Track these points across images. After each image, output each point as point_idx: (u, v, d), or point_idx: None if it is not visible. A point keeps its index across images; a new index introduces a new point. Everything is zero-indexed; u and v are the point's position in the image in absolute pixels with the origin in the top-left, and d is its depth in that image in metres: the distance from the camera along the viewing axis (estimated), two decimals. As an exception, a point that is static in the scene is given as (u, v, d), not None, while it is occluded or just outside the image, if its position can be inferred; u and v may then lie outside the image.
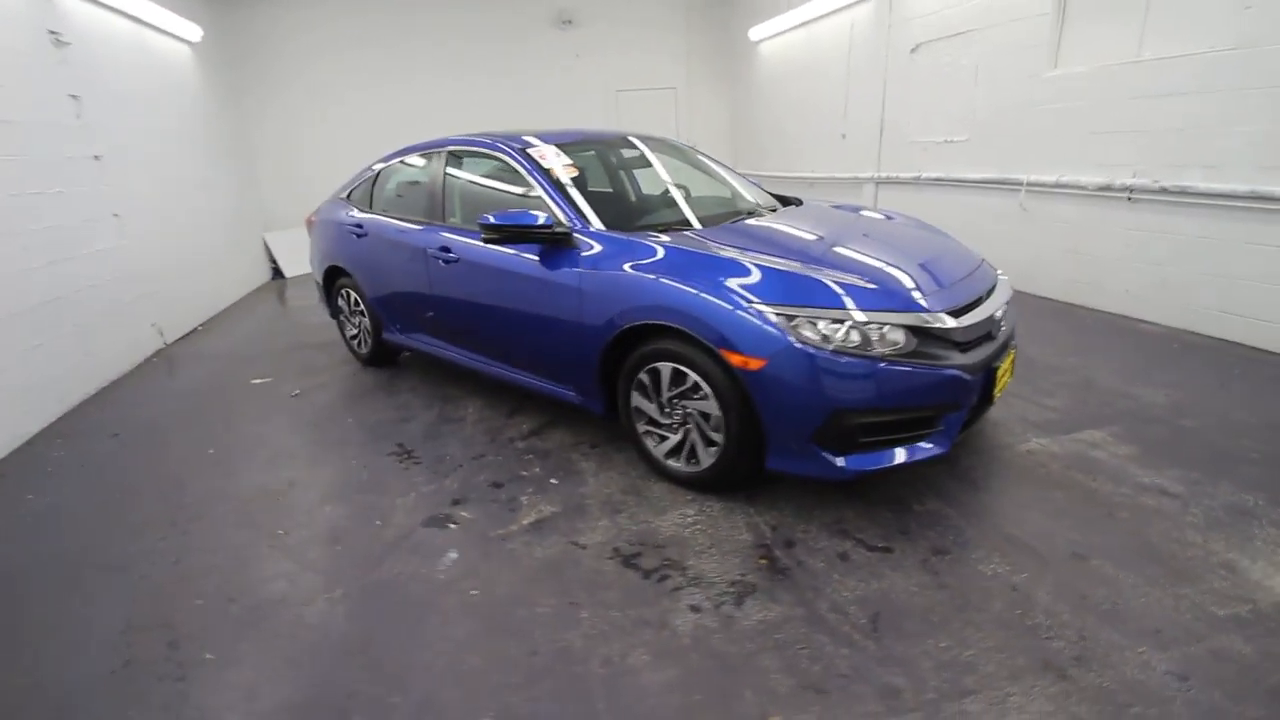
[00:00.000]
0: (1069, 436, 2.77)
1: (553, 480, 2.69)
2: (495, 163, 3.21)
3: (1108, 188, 4.26)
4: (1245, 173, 3.50)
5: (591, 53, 8.99)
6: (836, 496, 2.40)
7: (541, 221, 2.65)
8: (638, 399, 2.54)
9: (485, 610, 1.95)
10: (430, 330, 3.58)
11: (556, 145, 3.11)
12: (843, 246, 2.57)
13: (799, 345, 2.05)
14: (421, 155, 3.65)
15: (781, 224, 2.93)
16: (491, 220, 2.68)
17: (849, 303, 2.09)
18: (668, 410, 2.46)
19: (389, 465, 2.91)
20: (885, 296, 2.15)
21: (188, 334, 5.53)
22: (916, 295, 2.22)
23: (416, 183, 3.65)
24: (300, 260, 8.25)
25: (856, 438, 2.11)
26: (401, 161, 3.80)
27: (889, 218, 3.18)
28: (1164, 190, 3.92)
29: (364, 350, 4.22)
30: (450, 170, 3.40)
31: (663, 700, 1.58)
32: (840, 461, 2.12)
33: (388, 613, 1.97)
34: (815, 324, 2.07)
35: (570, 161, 3.00)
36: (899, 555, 2.08)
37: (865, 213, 3.25)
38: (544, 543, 2.26)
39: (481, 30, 8.56)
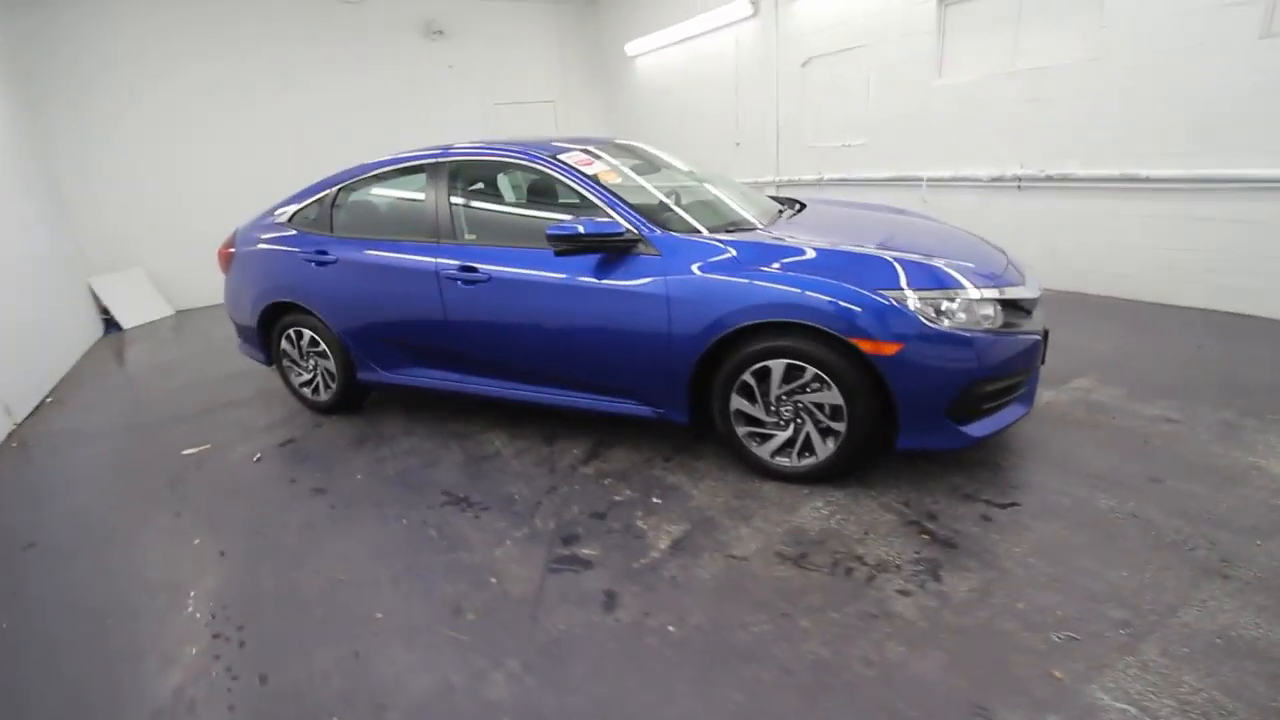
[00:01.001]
0: (1065, 386, 3.22)
1: (654, 499, 2.54)
2: (525, 173, 2.97)
3: (1000, 178, 5.02)
4: (1115, 159, 4.35)
5: (465, 65, 8.59)
6: (931, 467, 2.56)
7: (626, 228, 2.52)
8: (739, 401, 2.50)
9: (696, 643, 1.79)
10: (437, 361, 3.19)
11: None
12: (907, 236, 2.74)
13: (932, 326, 2.17)
14: (403, 170, 3.24)
15: (830, 218, 3.05)
16: (579, 230, 2.48)
17: (965, 282, 2.26)
18: (774, 408, 2.46)
19: (453, 518, 2.55)
20: (986, 275, 2.35)
21: (38, 408, 4.32)
22: (1005, 272, 2.46)
23: (406, 200, 3.24)
24: (141, 306, 6.90)
25: (980, 406, 2.28)
26: (373, 177, 3.34)
27: (899, 212, 3.44)
28: (1049, 177, 4.72)
29: (324, 397, 3.63)
30: (457, 183, 3.06)
31: (951, 683, 1.59)
32: (968, 430, 2.28)
33: (591, 672, 1.73)
34: (941, 305, 2.20)
35: (610, 167, 2.87)
36: (1027, 507, 2.28)
37: (873, 212, 3.48)
38: (699, 562, 2.13)
39: (344, 43, 7.78)
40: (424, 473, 2.93)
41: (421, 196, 3.16)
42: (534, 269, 2.76)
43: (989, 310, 2.28)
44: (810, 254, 2.40)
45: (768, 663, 1.70)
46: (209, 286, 5.64)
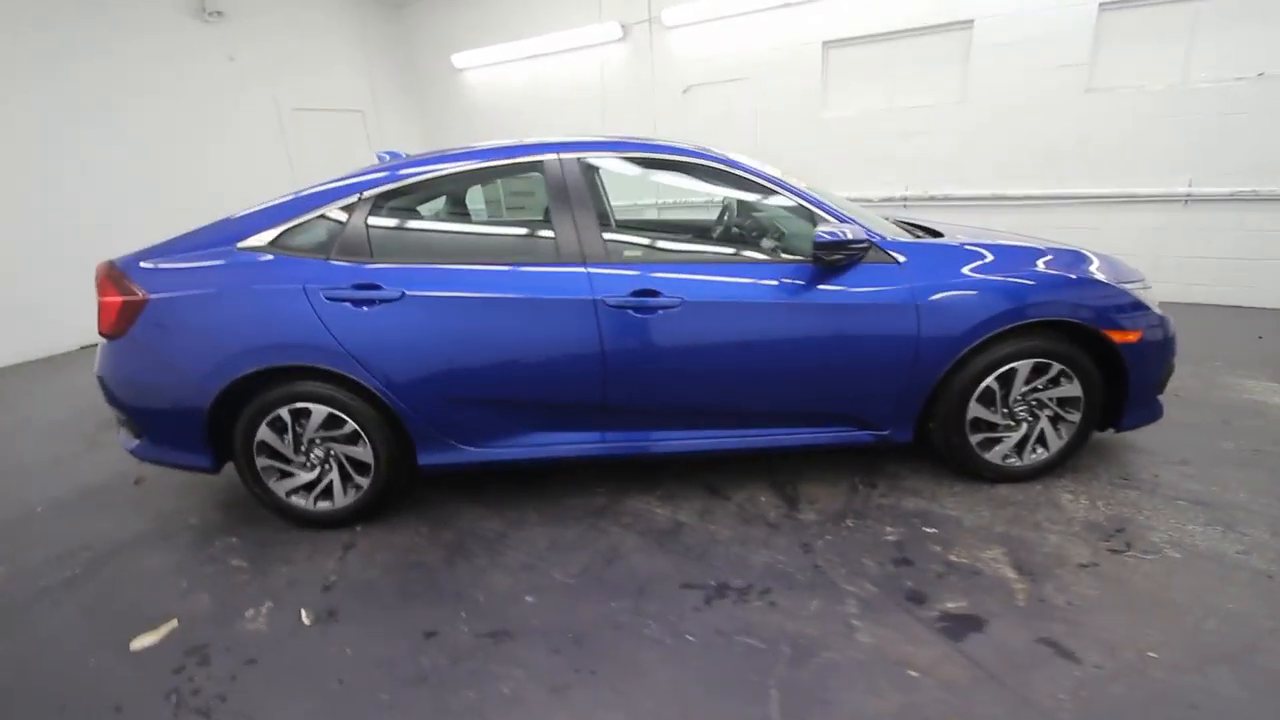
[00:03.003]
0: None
1: (926, 529, 2.28)
2: (690, 174, 2.43)
3: (889, 199, 5.84)
4: (987, 182, 5.41)
5: (252, 59, 6.77)
6: (1089, 458, 2.76)
7: (868, 235, 2.23)
8: (977, 409, 2.41)
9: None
10: (572, 420, 2.40)
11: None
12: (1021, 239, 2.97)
13: (1155, 312, 2.40)
14: (497, 171, 2.38)
15: (973, 229, 3.03)
16: (846, 237, 2.12)
17: (1140, 272, 2.55)
18: (1008, 411, 2.44)
19: (743, 613, 1.92)
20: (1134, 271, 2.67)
21: None
22: None
23: (515, 210, 2.36)
24: None
25: (1165, 381, 2.59)
26: (444, 178, 2.37)
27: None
28: (931, 197, 5.65)
29: (343, 501, 2.44)
30: (597, 189, 2.37)
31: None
32: (1161, 402, 2.56)
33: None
34: (1145, 293, 2.45)
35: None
36: (1224, 485, 2.46)
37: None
38: (1080, 580, 1.98)
39: (79, 20, 5.45)
40: (613, 569, 2.17)
41: (535, 204, 2.38)
42: (738, 288, 2.29)
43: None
44: (1049, 257, 2.43)
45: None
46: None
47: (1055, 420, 2.47)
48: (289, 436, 2.35)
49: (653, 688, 1.69)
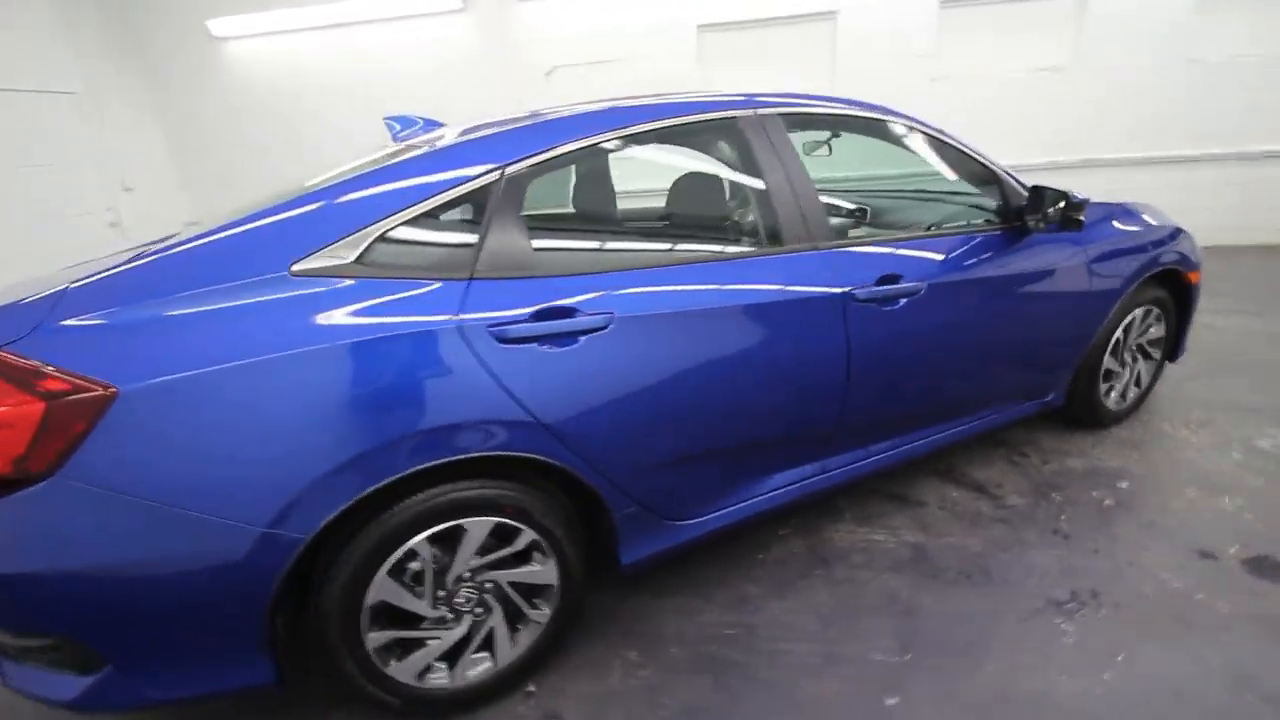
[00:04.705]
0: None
1: (1121, 484, 2.29)
2: (874, 135, 2.00)
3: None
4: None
5: None
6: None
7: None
8: (1109, 361, 2.51)
9: None
10: (792, 457, 1.85)
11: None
12: None
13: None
14: (670, 133, 1.68)
15: None
16: (1084, 195, 1.94)
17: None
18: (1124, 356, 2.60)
19: (1120, 622, 1.66)
20: None
21: None
22: None
23: (702, 187, 1.71)
24: None
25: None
26: (595, 144, 1.59)
27: None
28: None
29: (512, 655, 1.55)
30: (797, 154, 1.82)
31: None
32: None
33: None
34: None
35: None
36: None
37: None
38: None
39: None
40: (925, 628, 1.73)
41: (732, 176, 1.77)
42: (971, 264, 2.01)
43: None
44: (1146, 213, 2.57)
45: None
46: None
47: (1145, 358, 2.70)
48: (425, 582, 1.41)
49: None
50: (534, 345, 1.39)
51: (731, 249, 1.76)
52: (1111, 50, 5.29)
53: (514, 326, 1.37)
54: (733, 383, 1.64)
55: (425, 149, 1.53)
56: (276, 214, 1.34)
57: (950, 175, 2.19)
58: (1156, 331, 2.63)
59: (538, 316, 1.40)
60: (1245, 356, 3.30)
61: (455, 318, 1.32)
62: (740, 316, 1.61)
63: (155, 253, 1.28)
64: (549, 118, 1.62)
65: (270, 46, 6.26)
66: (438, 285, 1.35)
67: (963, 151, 2.15)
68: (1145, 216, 2.54)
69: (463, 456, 1.34)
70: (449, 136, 1.61)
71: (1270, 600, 1.73)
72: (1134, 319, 2.50)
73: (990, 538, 2.07)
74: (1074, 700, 1.48)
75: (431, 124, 2.14)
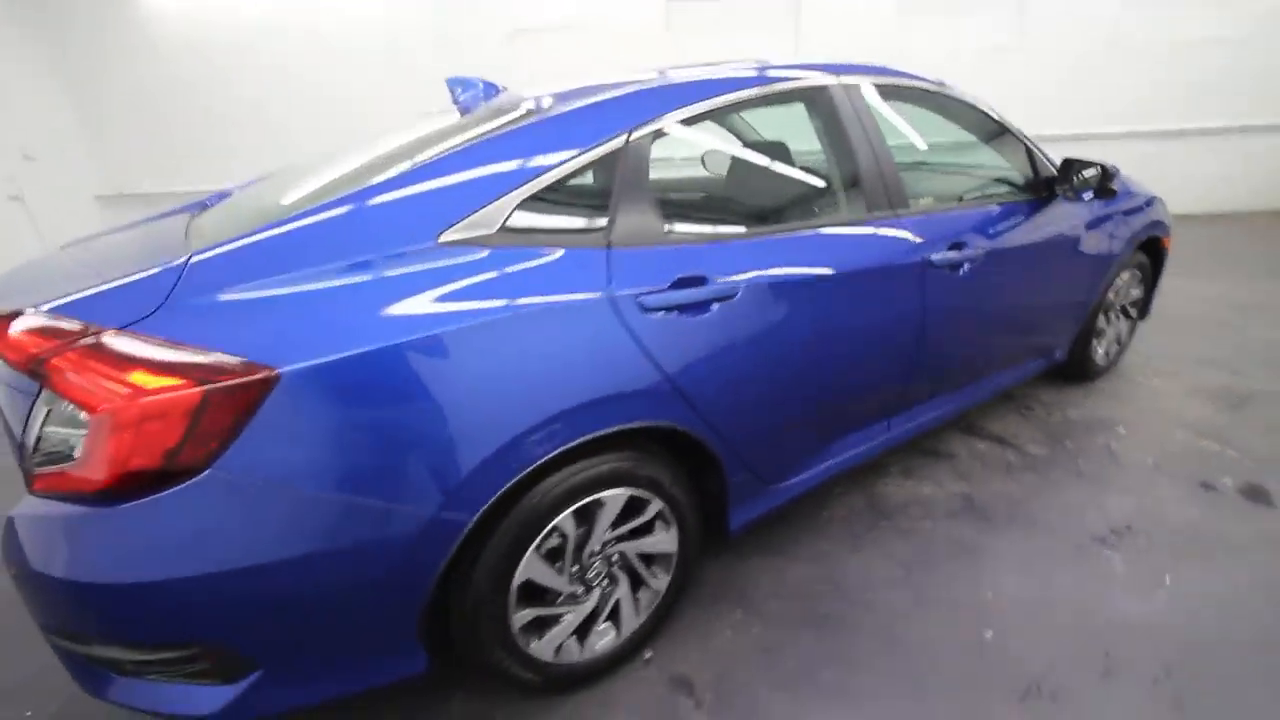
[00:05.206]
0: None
1: (1121, 430, 2.55)
2: (932, 104, 2.08)
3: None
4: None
5: None
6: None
7: None
8: (1101, 320, 2.76)
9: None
10: (862, 418, 1.94)
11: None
12: None
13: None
14: (759, 99, 1.67)
15: None
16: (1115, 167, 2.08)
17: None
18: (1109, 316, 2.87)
19: (1163, 552, 1.87)
20: None
21: None
22: None
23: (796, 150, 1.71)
24: None
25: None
26: (717, 107, 1.56)
27: None
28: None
29: (636, 624, 1.57)
30: (869, 121, 1.85)
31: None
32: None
33: None
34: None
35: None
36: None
37: None
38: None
39: None
40: (987, 573, 1.89)
41: (815, 144, 1.79)
42: (1018, 230, 2.15)
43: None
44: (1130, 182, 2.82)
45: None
46: None
47: (1126, 317, 2.99)
48: (565, 558, 1.39)
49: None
50: (674, 314, 1.38)
51: (831, 217, 1.79)
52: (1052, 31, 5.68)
53: (654, 295, 1.35)
54: (838, 347, 1.70)
55: (538, 115, 1.46)
56: (412, 183, 1.25)
57: (986, 146, 2.32)
58: (1136, 293, 2.91)
59: (676, 285, 1.39)
60: (1190, 314, 3.71)
61: (607, 288, 1.29)
62: (846, 283, 1.66)
63: (284, 221, 1.16)
64: (658, 83, 1.58)
65: (188, 1, 5.63)
66: (581, 253, 1.32)
67: (1000, 124, 2.27)
68: (1129, 185, 2.79)
69: (613, 429, 1.32)
70: (551, 102, 1.54)
71: (1272, 522, 2.00)
72: (1123, 281, 2.76)
73: (1025, 483, 2.26)
74: (1143, 618, 1.67)
75: (491, 86, 2.04)
